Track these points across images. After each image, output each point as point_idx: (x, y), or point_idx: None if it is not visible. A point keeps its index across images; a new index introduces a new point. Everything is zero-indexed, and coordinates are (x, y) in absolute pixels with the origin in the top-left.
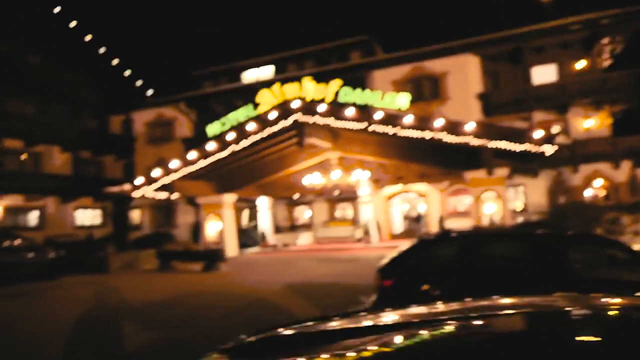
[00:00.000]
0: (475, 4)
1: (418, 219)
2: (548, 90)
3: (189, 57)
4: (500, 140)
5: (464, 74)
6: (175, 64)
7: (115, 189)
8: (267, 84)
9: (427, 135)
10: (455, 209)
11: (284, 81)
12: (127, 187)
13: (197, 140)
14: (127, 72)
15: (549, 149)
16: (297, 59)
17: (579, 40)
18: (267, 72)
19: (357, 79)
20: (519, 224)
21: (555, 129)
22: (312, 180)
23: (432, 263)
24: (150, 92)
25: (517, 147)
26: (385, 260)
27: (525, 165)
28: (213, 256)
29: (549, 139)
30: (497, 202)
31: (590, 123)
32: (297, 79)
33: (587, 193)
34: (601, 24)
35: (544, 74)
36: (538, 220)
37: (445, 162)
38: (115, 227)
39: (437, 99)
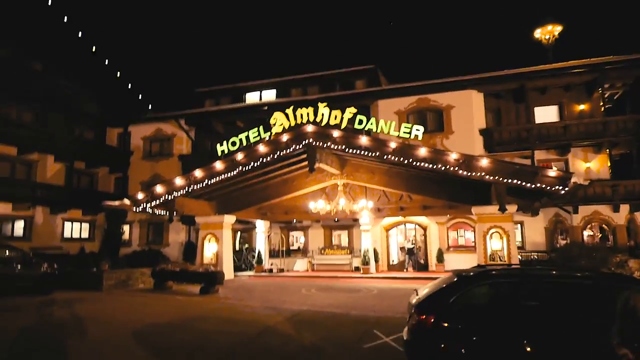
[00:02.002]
0: (480, 41)
1: (412, 251)
2: (549, 130)
3: (191, 75)
4: (513, 177)
5: (468, 109)
6: (177, 80)
7: (114, 203)
8: (272, 106)
9: (441, 167)
10: (456, 243)
11: (286, 105)
12: (127, 201)
13: (195, 158)
14: (129, 86)
15: (563, 189)
16: (301, 83)
17: (580, 83)
18: (270, 95)
19: (361, 108)
20: (530, 263)
21: (571, 170)
22: (316, 205)
23: (471, 301)
24: (150, 106)
25: (530, 185)
26: (423, 296)
27: (533, 203)
28: (212, 278)
29: (563, 179)
30: (503, 239)
31: (590, 165)
32: (301, 103)
33: (585, 234)
34: (604, 68)
35: (546, 114)
36: (546, 259)
37: (451, 195)
38: (106, 242)
39: (440, 132)
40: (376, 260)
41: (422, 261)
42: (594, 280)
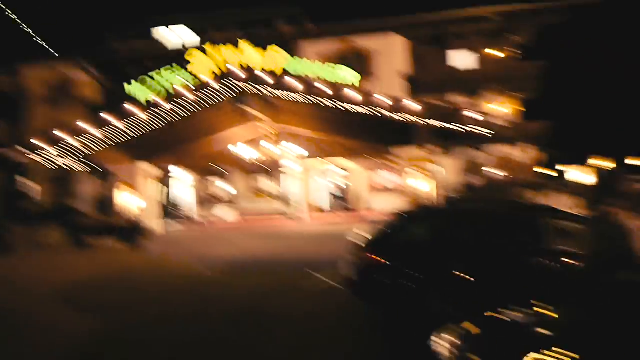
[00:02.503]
0: None
1: (342, 194)
2: (467, 75)
3: (95, 11)
4: (438, 118)
5: (391, 54)
6: (79, 17)
7: (7, 152)
8: (189, 45)
9: (371, 111)
10: (381, 185)
11: (204, 44)
12: (22, 150)
13: (104, 103)
14: (22, 22)
15: (486, 130)
16: (220, 21)
17: (494, 30)
18: (185, 32)
19: (285, 50)
20: (452, 200)
21: (492, 109)
22: (243, 151)
23: (414, 238)
24: (48, 46)
25: (454, 128)
26: (367, 236)
27: (453, 144)
28: (135, 232)
29: (484, 121)
30: (427, 179)
31: (503, 109)
32: (221, 42)
33: (496, 173)
34: (515, 16)
35: (464, 60)
36: (465, 197)
37: (378, 137)
38: (7, 199)
39: (365, 75)
40: (305, 206)
41: (350, 204)
42: (521, 211)
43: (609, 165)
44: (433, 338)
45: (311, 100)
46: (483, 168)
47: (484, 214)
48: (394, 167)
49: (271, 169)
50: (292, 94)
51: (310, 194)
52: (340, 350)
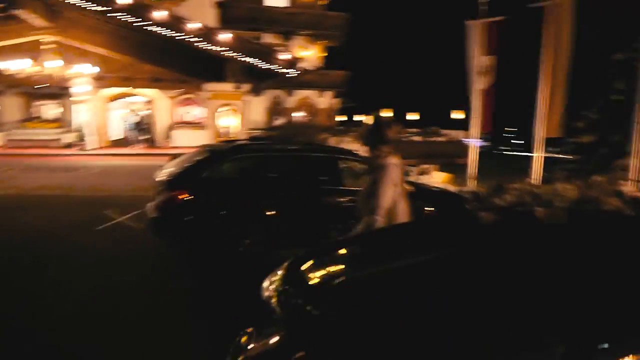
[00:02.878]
0: None
1: (138, 125)
2: (279, 15)
3: None
4: (250, 55)
5: None
6: None
7: None
8: None
9: (178, 36)
10: (184, 119)
11: None
12: None
13: None
14: None
15: (292, 72)
16: None
17: None
18: None
19: None
20: (257, 139)
21: (300, 53)
22: (14, 65)
23: (222, 175)
24: None
25: (265, 65)
26: (172, 172)
27: (260, 83)
28: None
29: (293, 62)
30: (234, 116)
31: (308, 53)
32: None
33: (297, 115)
34: None
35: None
36: (268, 137)
37: (184, 68)
38: None
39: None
40: (95, 136)
41: (148, 137)
42: (323, 152)
43: (389, 115)
44: (264, 284)
45: (113, 16)
46: (287, 110)
47: (289, 154)
48: (200, 101)
49: (56, 91)
50: (87, 3)
51: (105, 124)
52: (143, 295)
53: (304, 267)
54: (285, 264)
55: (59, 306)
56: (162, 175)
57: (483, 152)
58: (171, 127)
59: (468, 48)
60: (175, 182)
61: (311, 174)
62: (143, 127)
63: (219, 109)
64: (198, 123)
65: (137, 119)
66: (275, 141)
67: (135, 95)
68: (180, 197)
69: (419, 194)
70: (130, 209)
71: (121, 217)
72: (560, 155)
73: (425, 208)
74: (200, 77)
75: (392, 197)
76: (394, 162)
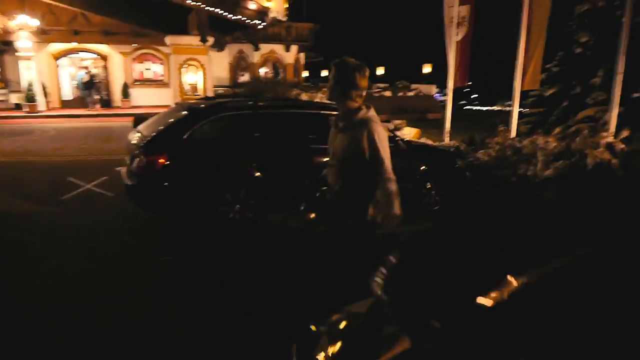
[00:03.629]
0: None
1: (91, 84)
2: None
3: None
4: (216, 5)
5: None
6: None
7: None
8: None
9: None
10: (142, 76)
11: None
12: None
13: None
14: None
15: (261, 22)
16: None
17: None
18: None
19: None
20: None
21: (264, 4)
22: None
23: (204, 136)
24: None
25: (232, 16)
26: (149, 134)
27: (225, 37)
28: None
29: (262, 13)
30: (199, 72)
31: (271, 4)
32: None
33: (262, 71)
34: None
35: None
36: (234, 93)
37: (140, 20)
38: None
39: None
40: (45, 96)
41: (104, 96)
42: (311, 109)
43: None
44: (376, 279)
45: None
46: (252, 65)
47: (276, 111)
48: (161, 56)
49: (1, 48)
50: None
51: (56, 83)
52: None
53: (422, 262)
54: (396, 255)
55: (40, 287)
56: (135, 138)
57: (441, 106)
58: (129, 86)
59: None
60: (153, 145)
61: (299, 132)
62: (96, 85)
63: (185, 64)
64: (159, 80)
65: (88, 77)
66: (259, 98)
67: (86, 51)
68: (160, 161)
69: (413, 153)
70: (97, 175)
71: (88, 184)
72: (522, 109)
73: (421, 168)
74: (160, 29)
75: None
76: (375, 116)
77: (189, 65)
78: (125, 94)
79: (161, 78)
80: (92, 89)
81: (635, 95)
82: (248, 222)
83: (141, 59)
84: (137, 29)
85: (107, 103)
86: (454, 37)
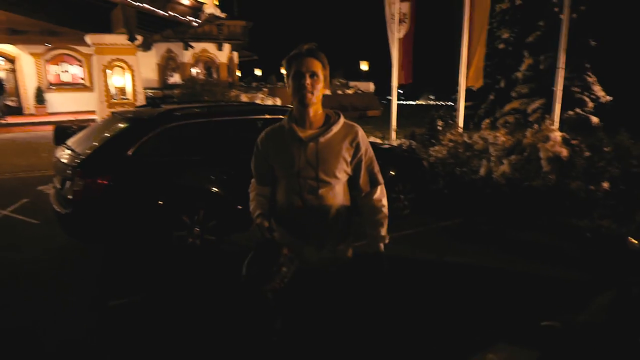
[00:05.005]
0: None
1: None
2: None
3: None
4: (145, 1)
5: None
6: None
7: None
8: None
9: None
10: (59, 80)
11: None
12: None
13: None
14: None
15: (196, 20)
16: None
17: None
18: None
19: None
20: (155, 100)
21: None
22: None
23: (154, 150)
24: None
25: (163, 12)
26: (83, 150)
27: (153, 35)
28: None
29: (196, 9)
30: (126, 74)
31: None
32: None
33: (194, 71)
34: None
35: None
36: (166, 96)
37: (54, 16)
38: None
39: None
40: None
41: (12, 103)
42: (273, 114)
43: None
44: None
45: None
46: (183, 66)
47: (235, 117)
48: (80, 57)
49: None
50: None
51: None
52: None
53: None
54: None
55: None
56: (66, 155)
57: (381, 104)
58: (44, 90)
59: None
60: (92, 164)
61: (242, 135)
62: (4, 91)
63: (111, 66)
64: (79, 84)
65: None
66: (210, 103)
67: None
68: (101, 184)
69: (381, 157)
70: (14, 197)
71: (4, 209)
72: (449, 103)
73: (390, 172)
74: (79, 27)
75: None
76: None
77: (115, 66)
78: (40, 99)
79: (81, 81)
80: (1, 96)
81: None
82: (210, 247)
83: (57, 60)
84: (50, 27)
85: (16, 111)
86: (396, 34)
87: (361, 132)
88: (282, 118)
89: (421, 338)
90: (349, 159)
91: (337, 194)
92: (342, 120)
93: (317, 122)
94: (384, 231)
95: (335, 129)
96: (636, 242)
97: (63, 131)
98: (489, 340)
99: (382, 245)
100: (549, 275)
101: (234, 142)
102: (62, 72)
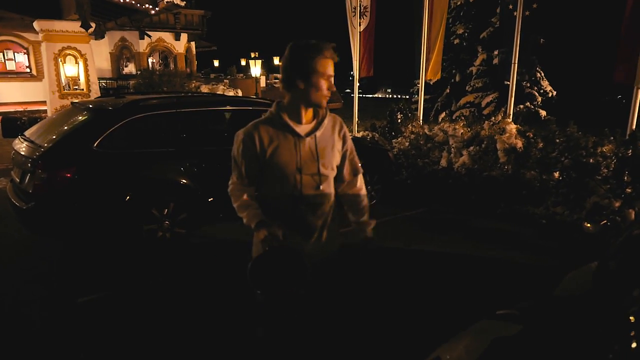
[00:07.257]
0: None
1: None
2: None
3: None
4: None
5: None
6: None
7: None
8: None
9: None
10: (4, 68)
11: None
12: None
13: None
14: None
15: (154, 7)
16: None
17: None
18: None
19: None
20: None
21: None
22: None
23: (120, 141)
24: None
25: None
26: (44, 142)
27: (106, 23)
28: None
29: None
30: (79, 63)
31: None
32: None
33: (150, 61)
34: None
35: None
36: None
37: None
38: None
39: None
40: None
41: None
42: (244, 105)
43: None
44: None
45: None
46: (138, 55)
47: (203, 108)
48: (27, 44)
49: None
50: None
51: None
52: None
53: None
54: None
55: None
56: (24, 147)
57: (340, 96)
58: None
59: None
60: (56, 156)
61: (230, 132)
62: None
63: (62, 54)
64: (25, 72)
65: None
66: (171, 94)
67: None
68: (65, 176)
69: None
70: None
71: None
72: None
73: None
74: (25, 12)
75: None
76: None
77: (67, 55)
78: None
79: (26, 70)
80: None
81: (506, 82)
82: (180, 240)
83: (1, 47)
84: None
85: None
86: (357, 27)
87: (342, 121)
88: (249, 109)
89: (396, 322)
90: (340, 150)
91: (331, 184)
92: (328, 111)
93: (309, 116)
94: (367, 217)
95: (327, 121)
96: (590, 226)
97: (11, 122)
98: (463, 321)
99: (370, 230)
100: (511, 259)
101: (203, 133)
102: (7, 60)
